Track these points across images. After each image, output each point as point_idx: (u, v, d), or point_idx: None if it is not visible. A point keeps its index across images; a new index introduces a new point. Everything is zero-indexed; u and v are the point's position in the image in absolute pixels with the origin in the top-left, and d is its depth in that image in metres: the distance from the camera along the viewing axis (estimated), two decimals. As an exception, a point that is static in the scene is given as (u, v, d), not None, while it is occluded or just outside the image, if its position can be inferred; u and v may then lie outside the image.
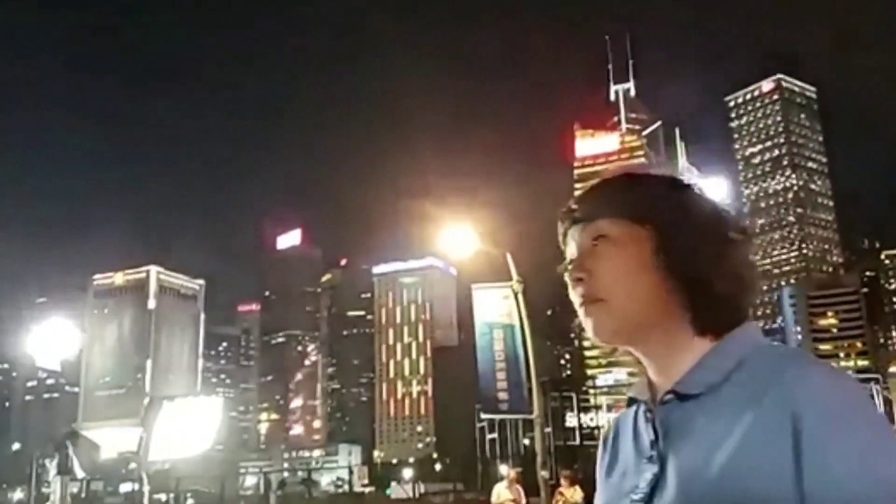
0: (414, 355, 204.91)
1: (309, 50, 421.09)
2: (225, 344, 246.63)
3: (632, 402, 1.45)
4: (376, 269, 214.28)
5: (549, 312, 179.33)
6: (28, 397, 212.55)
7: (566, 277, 1.40)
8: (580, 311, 1.37)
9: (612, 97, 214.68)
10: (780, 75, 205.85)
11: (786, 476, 1.10)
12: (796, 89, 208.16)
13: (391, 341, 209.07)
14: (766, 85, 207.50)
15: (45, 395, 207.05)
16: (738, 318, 1.32)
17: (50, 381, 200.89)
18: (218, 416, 12.98)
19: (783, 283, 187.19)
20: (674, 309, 1.32)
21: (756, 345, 1.30)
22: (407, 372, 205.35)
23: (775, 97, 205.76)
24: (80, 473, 11.40)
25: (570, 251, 1.42)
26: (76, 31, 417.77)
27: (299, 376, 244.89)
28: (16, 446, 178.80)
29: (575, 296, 1.39)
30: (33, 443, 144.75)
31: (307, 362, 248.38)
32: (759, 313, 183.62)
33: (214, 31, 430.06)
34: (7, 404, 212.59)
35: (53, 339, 21.09)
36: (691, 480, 1.20)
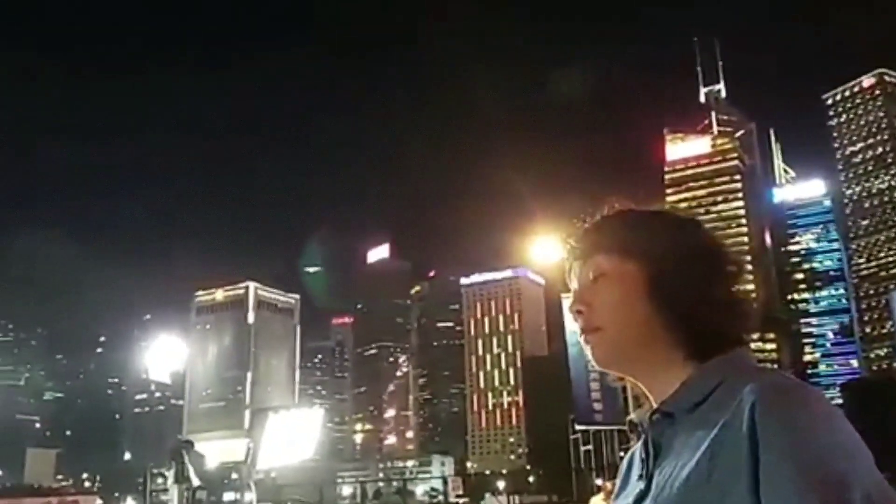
0: (504, 366, 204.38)
1: (397, 65, 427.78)
2: (320, 356, 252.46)
3: (631, 426, 1.53)
4: (464, 280, 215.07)
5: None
6: (137, 410, 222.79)
7: (569, 310, 1.57)
8: (581, 340, 1.50)
9: (703, 99, 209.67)
10: (881, 69, 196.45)
11: (741, 484, 1.20)
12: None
13: (480, 352, 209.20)
14: (867, 80, 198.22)
15: (154, 408, 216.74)
16: (727, 344, 1.43)
17: (158, 395, 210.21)
18: (318, 427, 13.52)
19: (891, 286, 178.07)
20: (665, 338, 1.44)
21: (739, 366, 1.39)
22: (497, 382, 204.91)
23: (877, 92, 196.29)
24: (195, 481, 12.05)
25: (573, 285, 1.55)
26: (180, 62, 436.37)
27: (391, 387, 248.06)
28: (127, 456, 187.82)
29: (577, 327, 1.52)
30: (143, 454, 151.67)
31: (399, 373, 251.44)
32: (866, 318, 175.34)
33: (309, 54, 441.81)
34: (118, 416, 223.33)
35: (164, 354, 22.57)
36: (663, 494, 1.32)
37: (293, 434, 13.44)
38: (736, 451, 1.23)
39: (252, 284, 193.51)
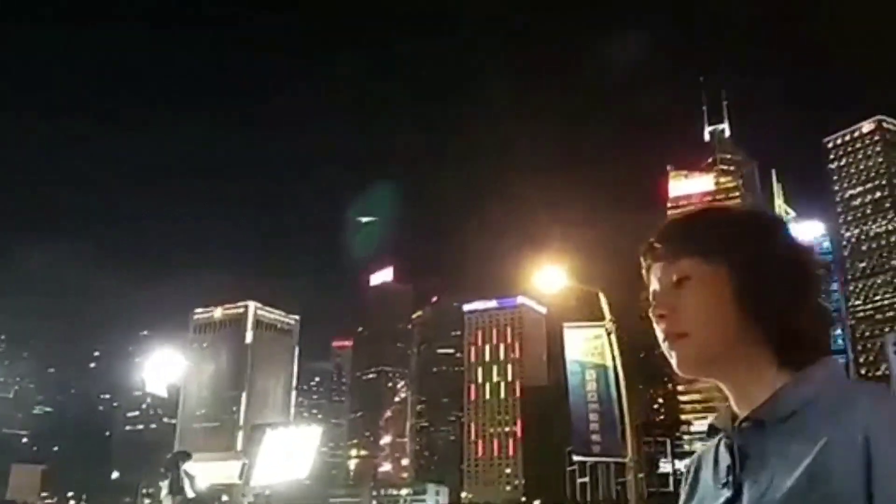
0: (503, 395, 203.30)
1: (404, 91, 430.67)
2: (318, 379, 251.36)
3: (711, 430, 1.54)
4: (466, 307, 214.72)
5: (641, 355, 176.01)
6: (128, 427, 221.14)
7: (650, 313, 1.51)
8: (664, 346, 1.49)
9: (707, 138, 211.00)
10: (880, 116, 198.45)
11: (857, 492, 1.19)
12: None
13: (480, 380, 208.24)
14: (867, 126, 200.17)
15: (146, 426, 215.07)
16: (818, 352, 1.41)
17: (151, 412, 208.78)
18: (315, 445, 13.45)
19: (887, 328, 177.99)
20: (755, 343, 1.42)
21: (833, 377, 1.39)
22: (496, 412, 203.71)
23: (876, 138, 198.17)
24: (190, 493, 11.98)
25: (653, 287, 1.53)
26: (187, 76, 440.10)
27: (389, 413, 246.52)
28: (115, 475, 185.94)
29: (658, 331, 1.50)
30: (133, 472, 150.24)
31: (397, 399, 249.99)
32: (861, 360, 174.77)
33: (314, 77, 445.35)
34: (108, 433, 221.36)
35: (162, 366, 22.65)
36: (764, 502, 1.29)
37: (290, 452, 13.39)
38: (847, 474, 1.20)
39: (252, 304, 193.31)
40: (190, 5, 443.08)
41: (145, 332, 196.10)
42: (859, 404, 1.26)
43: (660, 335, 1.50)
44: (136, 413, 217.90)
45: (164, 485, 11.93)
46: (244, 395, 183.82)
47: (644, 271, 1.58)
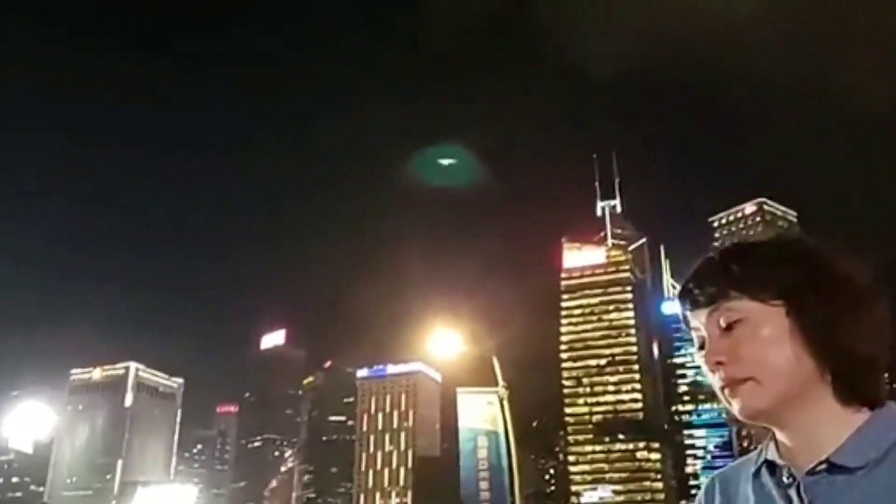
0: (395, 465, 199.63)
1: (297, 155, 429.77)
2: (200, 446, 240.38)
3: (767, 465, 1.47)
4: (360, 373, 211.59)
5: (534, 424, 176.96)
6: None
7: (702, 362, 1.46)
8: (724, 393, 1.43)
9: (599, 213, 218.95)
10: (761, 199, 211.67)
11: None
12: (778, 213, 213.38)
13: (372, 449, 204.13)
14: (749, 207, 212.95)
15: (8, 495, 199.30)
16: (879, 385, 1.37)
17: (14, 479, 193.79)
18: None
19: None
20: (817, 379, 1.37)
21: None
22: (387, 483, 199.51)
23: (758, 219, 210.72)
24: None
25: (700, 335, 1.47)
26: (68, 116, 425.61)
27: (274, 483, 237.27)
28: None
29: (715, 380, 1.44)
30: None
31: (283, 468, 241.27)
32: (744, 433, 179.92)
33: (203, 132, 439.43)
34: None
35: (27, 421, 20.53)
36: None
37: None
38: None
39: (133, 365, 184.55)
40: None
41: (16, 394, 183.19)
42: None
43: (717, 383, 1.45)
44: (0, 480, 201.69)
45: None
46: (120, 462, 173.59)
47: (682, 319, 1.54)
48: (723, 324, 1.42)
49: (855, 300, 1.37)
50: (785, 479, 1.39)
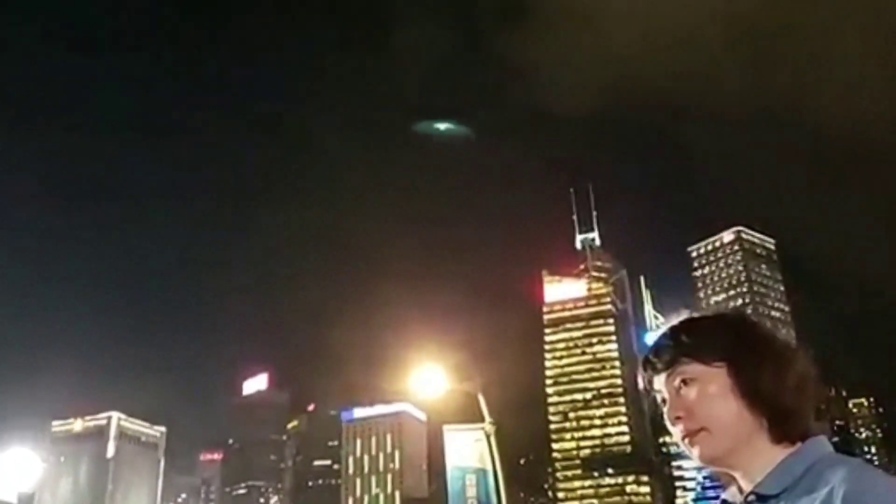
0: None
1: (275, 197, 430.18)
2: (184, 495, 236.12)
3: None
4: (345, 416, 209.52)
5: (521, 461, 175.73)
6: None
7: (665, 417, 1.84)
8: (684, 443, 1.78)
9: (579, 246, 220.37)
10: (739, 227, 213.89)
11: None
12: (756, 240, 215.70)
13: (358, 493, 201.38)
14: (727, 236, 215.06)
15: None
16: (806, 426, 1.72)
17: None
18: None
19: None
20: (757, 426, 1.72)
21: (822, 453, 1.69)
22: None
23: (736, 248, 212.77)
24: None
25: (662, 396, 1.85)
26: (42, 155, 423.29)
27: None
28: None
29: (676, 432, 1.79)
30: None
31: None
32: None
33: (176, 164, 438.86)
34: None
35: (15, 469, 20.11)
36: None
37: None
38: None
39: (115, 415, 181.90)
40: None
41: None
42: (838, 475, 1.56)
43: (678, 434, 1.78)
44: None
45: None
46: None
47: (646, 383, 1.91)
48: (677, 385, 1.79)
49: (777, 360, 1.74)
50: None
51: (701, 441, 1.72)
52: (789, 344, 1.79)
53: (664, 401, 1.82)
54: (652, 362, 1.85)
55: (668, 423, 1.81)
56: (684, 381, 1.76)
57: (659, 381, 1.83)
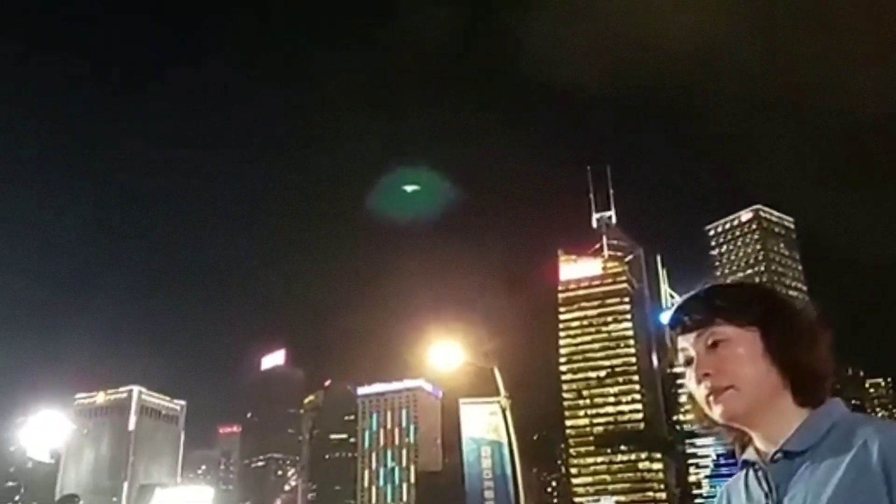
0: (397, 481, 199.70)
1: (296, 176, 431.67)
2: (204, 467, 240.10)
3: (744, 465, 1.92)
4: (360, 391, 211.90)
5: (535, 437, 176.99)
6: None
7: (689, 374, 1.91)
8: (708, 401, 1.86)
9: (595, 225, 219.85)
10: (757, 206, 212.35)
11: (881, 496, 1.60)
12: (774, 219, 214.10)
13: (374, 466, 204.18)
14: (745, 215, 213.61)
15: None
16: (826, 392, 1.85)
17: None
18: None
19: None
20: (781, 388, 1.82)
21: (844, 412, 1.82)
22: (390, 499, 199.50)
23: (754, 227, 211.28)
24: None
25: (687, 354, 1.92)
26: (58, 148, 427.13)
27: (278, 502, 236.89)
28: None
29: (702, 389, 1.87)
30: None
31: (287, 488, 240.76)
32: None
33: (198, 155, 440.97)
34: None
35: (45, 429, 21.24)
36: None
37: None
38: (871, 481, 1.61)
39: (136, 388, 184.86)
40: None
41: (21, 419, 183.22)
42: (868, 429, 1.67)
43: (703, 392, 1.86)
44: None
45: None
46: (125, 485, 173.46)
47: (669, 341, 1.96)
48: (709, 343, 1.85)
49: (807, 331, 1.84)
50: (758, 473, 1.84)
51: (726, 398, 1.79)
52: (815, 317, 1.89)
53: (689, 360, 1.88)
54: (682, 321, 1.90)
55: (690, 383, 1.89)
56: (715, 343, 1.83)
57: (686, 340, 1.89)
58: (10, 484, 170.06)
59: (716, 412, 1.82)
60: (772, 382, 1.80)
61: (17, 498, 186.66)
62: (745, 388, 1.79)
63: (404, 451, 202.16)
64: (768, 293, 1.93)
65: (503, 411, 23.43)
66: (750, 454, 1.88)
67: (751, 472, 1.88)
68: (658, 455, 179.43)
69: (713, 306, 1.87)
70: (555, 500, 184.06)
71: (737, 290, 1.94)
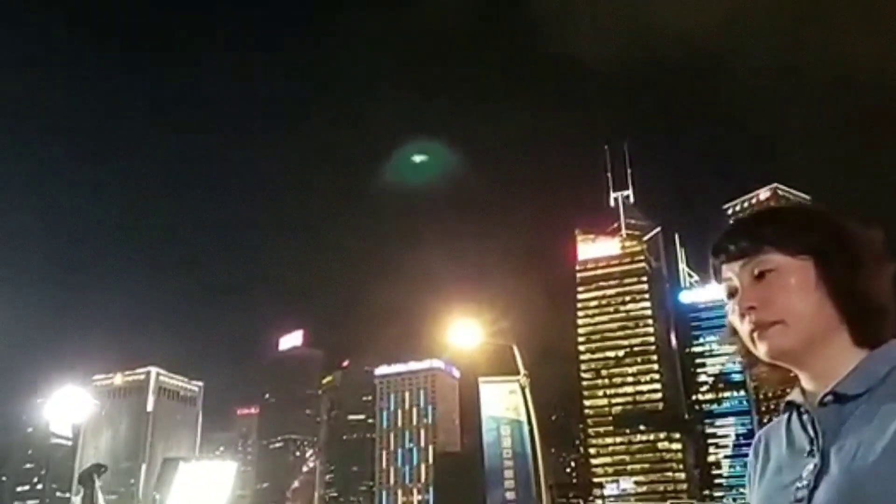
0: (415, 461, 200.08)
1: (311, 152, 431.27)
2: (222, 448, 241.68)
3: (788, 407, 1.70)
4: (378, 371, 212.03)
5: (553, 417, 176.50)
6: (17, 503, 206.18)
7: (733, 308, 1.66)
8: (753, 336, 1.62)
9: (612, 204, 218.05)
10: (776, 184, 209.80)
11: None
12: (792, 198, 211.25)
13: (392, 447, 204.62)
14: (763, 193, 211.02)
15: (37, 501, 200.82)
16: (890, 328, 1.59)
17: (39, 487, 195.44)
18: (230, 481, 12.90)
19: (788, 389, 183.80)
20: (836, 324, 1.58)
21: None
22: (408, 480, 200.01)
23: (772, 205, 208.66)
24: (103, 505, 11.17)
25: (731, 285, 1.67)
26: (81, 122, 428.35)
27: (296, 483, 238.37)
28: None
29: (746, 324, 1.63)
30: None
31: (305, 468, 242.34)
32: (766, 421, 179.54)
33: (214, 138, 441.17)
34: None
35: (68, 405, 21.02)
36: (855, 467, 1.43)
37: (204, 489, 12.76)
38: None
39: (154, 370, 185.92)
40: None
41: (41, 401, 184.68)
42: None
43: (747, 328, 1.62)
44: (27, 487, 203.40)
45: (78, 500, 11.19)
46: (144, 466, 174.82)
47: (713, 270, 1.72)
48: (756, 273, 1.61)
49: (871, 258, 1.59)
50: (804, 416, 1.61)
51: (774, 334, 1.58)
52: (882, 245, 1.64)
53: (733, 292, 1.65)
54: (726, 248, 1.68)
55: (733, 316, 1.66)
56: (762, 272, 1.61)
57: (730, 270, 1.67)
58: (29, 466, 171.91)
59: (761, 350, 1.61)
60: (826, 317, 1.58)
61: (35, 480, 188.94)
62: (795, 323, 1.57)
63: (422, 432, 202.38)
64: (826, 216, 1.66)
65: (522, 390, 22.73)
66: (796, 395, 1.66)
67: (794, 416, 1.67)
68: (677, 435, 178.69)
69: (761, 232, 1.65)
70: (573, 481, 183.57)
71: (790, 214, 1.69)
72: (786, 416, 1.70)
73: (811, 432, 1.56)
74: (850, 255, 1.58)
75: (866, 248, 1.60)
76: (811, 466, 1.50)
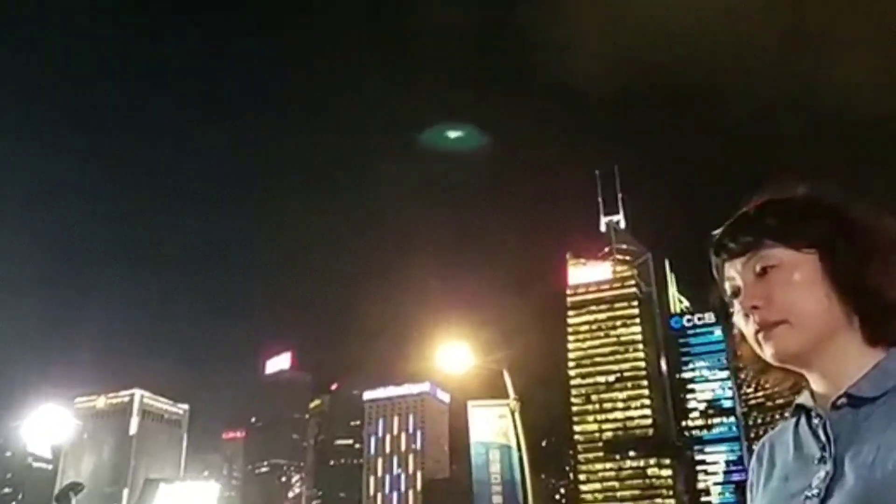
0: (403, 488, 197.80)
1: (300, 172, 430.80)
2: (207, 472, 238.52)
3: (797, 410, 1.55)
4: (367, 395, 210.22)
5: (543, 443, 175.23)
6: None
7: (736, 306, 1.54)
8: (758, 337, 1.50)
9: (603, 228, 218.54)
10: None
11: None
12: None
13: (380, 473, 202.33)
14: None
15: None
16: None
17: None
18: (213, 502, 12.11)
19: (777, 416, 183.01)
20: (846, 322, 1.45)
21: None
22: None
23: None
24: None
25: (734, 284, 1.55)
26: (69, 140, 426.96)
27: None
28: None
29: (750, 325, 1.51)
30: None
31: (291, 494, 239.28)
32: (755, 448, 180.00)
33: (202, 155, 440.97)
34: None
35: (46, 424, 20.05)
36: (873, 475, 1.29)
37: (186, 509, 12.02)
38: None
39: (138, 392, 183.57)
40: None
41: (18, 424, 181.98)
42: None
43: (751, 328, 1.51)
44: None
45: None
46: (126, 491, 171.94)
47: (715, 269, 1.61)
48: (758, 269, 1.49)
49: (883, 249, 1.45)
50: (814, 420, 1.47)
51: (779, 335, 1.46)
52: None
53: (736, 291, 1.54)
54: (726, 245, 1.58)
55: (737, 319, 1.55)
56: (764, 269, 1.50)
57: (733, 268, 1.56)
58: (7, 490, 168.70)
59: (767, 352, 1.49)
60: (834, 315, 1.45)
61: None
62: (800, 322, 1.45)
63: (411, 458, 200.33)
64: (833, 205, 1.53)
65: (512, 414, 22.15)
66: (805, 398, 1.53)
67: (802, 421, 1.53)
68: (667, 461, 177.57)
69: (763, 225, 1.54)
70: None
71: (793, 204, 1.56)
72: (793, 420, 1.57)
73: (822, 437, 1.43)
74: (858, 248, 1.45)
75: (876, 237, 1.47)
76: (822, 474, 1.38)
